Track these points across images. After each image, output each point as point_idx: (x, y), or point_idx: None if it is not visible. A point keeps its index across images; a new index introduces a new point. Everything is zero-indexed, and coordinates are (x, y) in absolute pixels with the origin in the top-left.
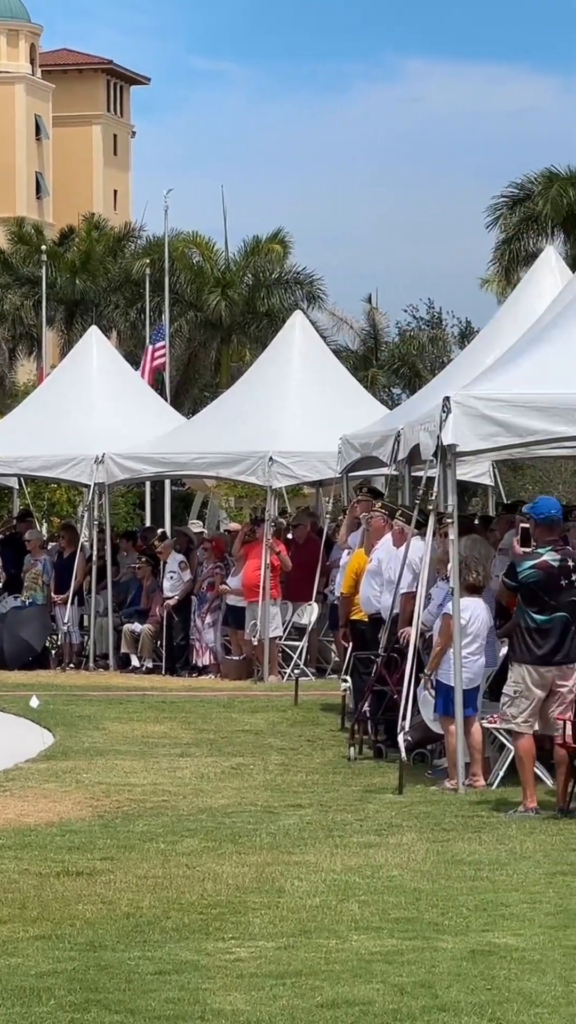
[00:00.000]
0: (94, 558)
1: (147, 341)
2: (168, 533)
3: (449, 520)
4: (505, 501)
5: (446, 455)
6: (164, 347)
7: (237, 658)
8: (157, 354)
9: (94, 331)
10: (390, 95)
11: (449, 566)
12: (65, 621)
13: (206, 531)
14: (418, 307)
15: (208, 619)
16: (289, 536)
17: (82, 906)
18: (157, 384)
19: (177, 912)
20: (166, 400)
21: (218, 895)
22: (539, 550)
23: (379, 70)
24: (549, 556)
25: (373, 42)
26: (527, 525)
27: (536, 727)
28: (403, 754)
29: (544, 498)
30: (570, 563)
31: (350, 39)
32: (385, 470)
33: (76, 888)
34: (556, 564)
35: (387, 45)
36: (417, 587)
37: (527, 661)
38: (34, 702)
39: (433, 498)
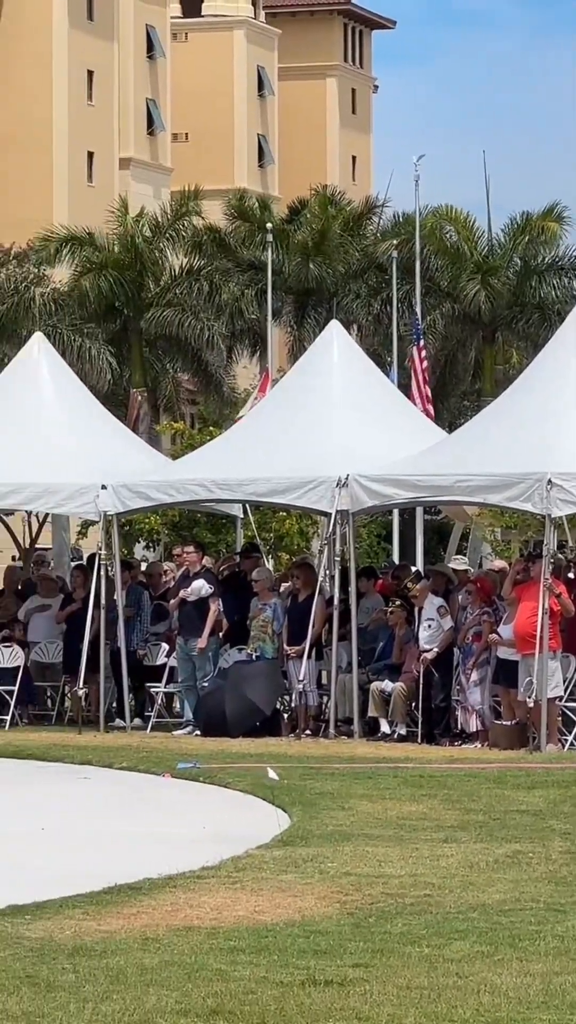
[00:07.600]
0: (335, 602)
1: (415, 339)
2: (422, 572)
3: None
4: None
5: None
6: (424, 347)
7: (509, 723)
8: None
9: (335, 326)
10: None
11: None
12: (300, 678)
13: (471, 569)
14: None
15: (474, 676)
16: (571, 575)
17: (332, 1022)
18: (429, 390)
19: None
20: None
21: (497, 1011)
22: None
23: None
24: None
25: None
26: None
27: None
28: None
29: None
30: None
31: None
32: None
33: (325, 1000)
34: None
35: None
36: None
37: None
38: (272, 774)
39: None
